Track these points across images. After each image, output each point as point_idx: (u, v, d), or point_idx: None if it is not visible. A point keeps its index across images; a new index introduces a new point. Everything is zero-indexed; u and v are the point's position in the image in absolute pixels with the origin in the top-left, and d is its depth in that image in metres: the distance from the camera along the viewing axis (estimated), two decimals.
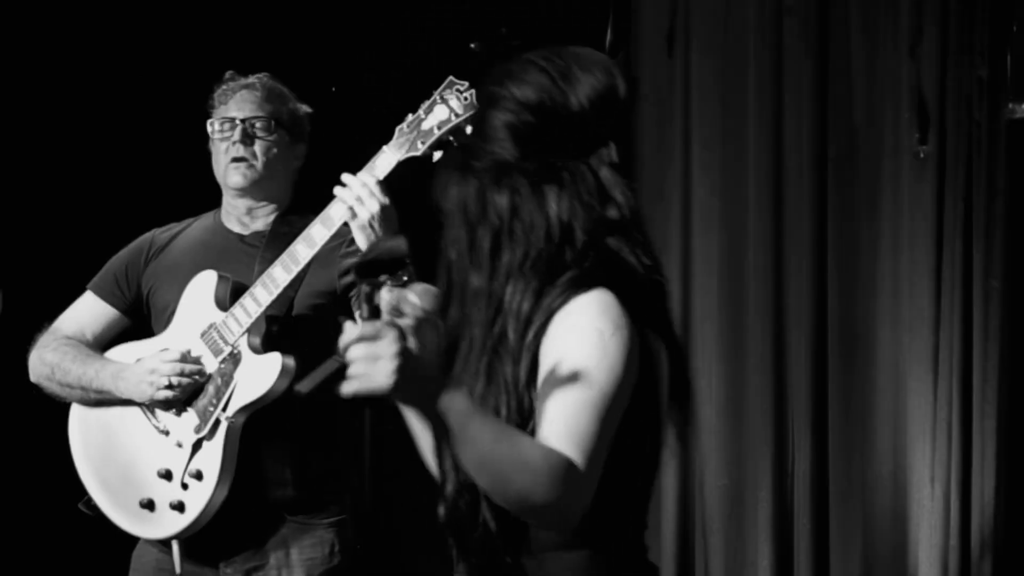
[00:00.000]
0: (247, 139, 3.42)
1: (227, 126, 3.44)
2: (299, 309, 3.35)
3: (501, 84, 2.15)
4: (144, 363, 3.36)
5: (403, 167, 3.14)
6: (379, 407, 2.05)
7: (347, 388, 1.97)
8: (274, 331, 3.32)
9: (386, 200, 3.10)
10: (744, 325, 4.75)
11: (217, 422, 3.29)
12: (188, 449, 3.31)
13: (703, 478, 4.76)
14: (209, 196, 3.55)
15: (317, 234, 3.23)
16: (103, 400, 3.43)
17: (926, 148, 4.55)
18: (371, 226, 3.08)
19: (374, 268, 2.02)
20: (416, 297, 2.13)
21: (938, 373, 4.52)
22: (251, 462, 3.32)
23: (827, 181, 4.69)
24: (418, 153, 3.13)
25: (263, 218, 3.49)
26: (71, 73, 4.81)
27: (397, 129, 3.16)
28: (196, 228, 3.56)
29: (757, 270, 4.75)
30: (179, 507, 3.31)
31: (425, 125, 3.12)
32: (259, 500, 3.36)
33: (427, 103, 3.13)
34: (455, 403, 1.97)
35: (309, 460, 3.39)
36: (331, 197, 3.22)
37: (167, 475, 3.33)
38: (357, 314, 2.97)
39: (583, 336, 2.04)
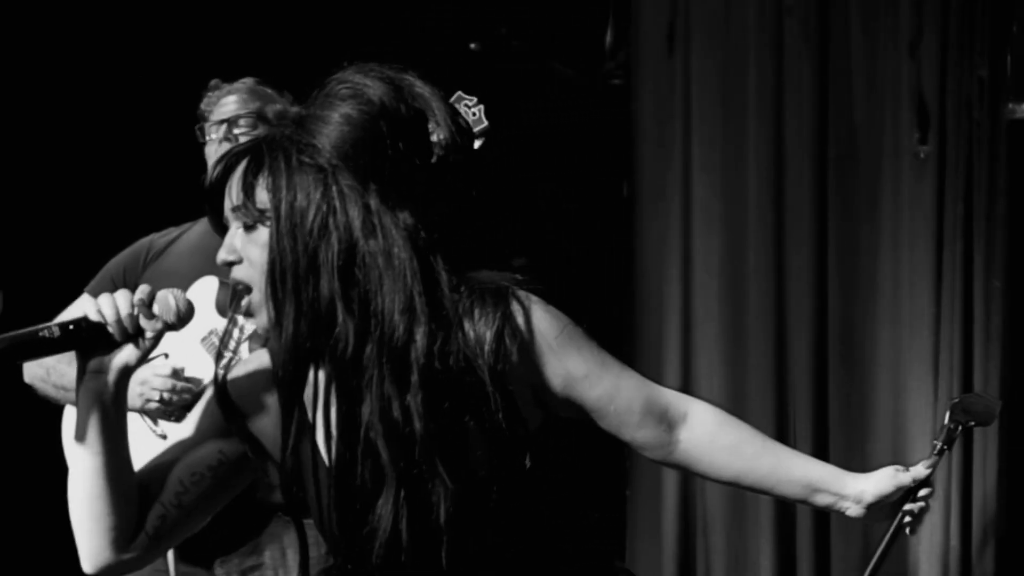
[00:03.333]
0: (232, 137, 3.43)
1: (214, 129, 3.46)
2: None
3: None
4: (138, 373, 3.35)
5: None
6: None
7: None
8: None
9: None
10: (745, 325, 4.75)
11: None
12: None
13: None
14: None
15: None
16: None
17: (926, 148, 4.55)
18: None
19: None
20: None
21: (938, 373, 4.52)
22: None
23: (827, 181, 4.69)
24: None
25: None
26: (71, 77, 4.80)
27: None
28: (194, 233, 3.56)
29: (757, 270, 4.75)
30: None
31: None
32: (255, 501, 3.35)
33: None
34: None
35: None
36: None
37: None
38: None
39: (570, 332, 2.08)
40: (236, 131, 3.44)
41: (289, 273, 1.98)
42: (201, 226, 3.57)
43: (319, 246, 1.97)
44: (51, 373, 3.47)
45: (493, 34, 4.82)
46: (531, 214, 4.91)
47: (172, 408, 3.31)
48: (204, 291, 3.38)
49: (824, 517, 4.67)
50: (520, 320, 2.04)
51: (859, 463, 4.62)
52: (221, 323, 3.32)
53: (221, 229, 2.10)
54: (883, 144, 4.63)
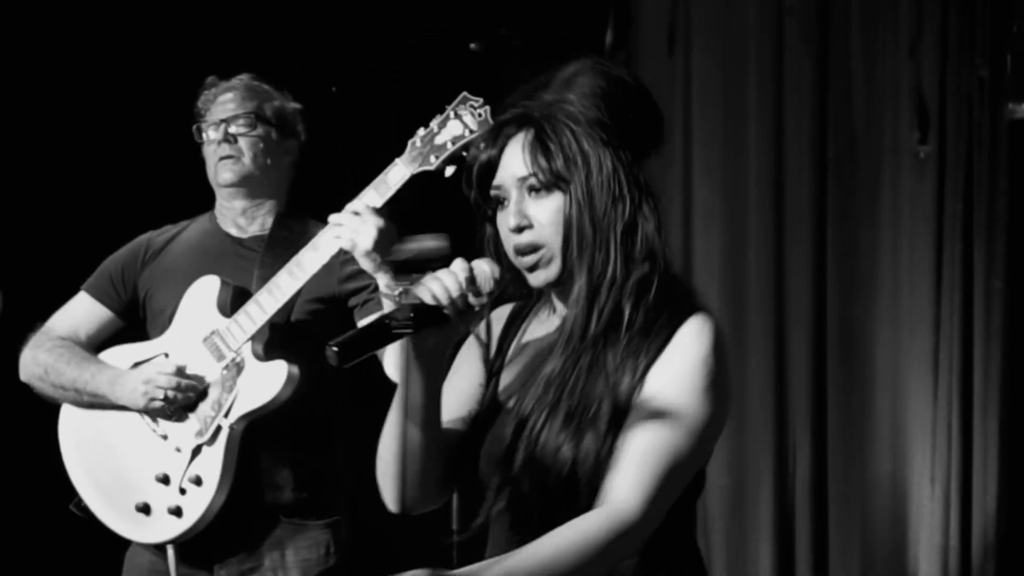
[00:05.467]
0: (230, 137, 3.43)
1: (212, 129, 3.46)
2: (299, 315, 3.35)
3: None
4: (141, 372, 3.35)
5: (416, 180, 3.12)
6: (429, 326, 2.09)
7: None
8: (276, 338, 3.32)
9: (382, 222, 3.07)
10: (745, 325, 4.76)
11: (219, 428, 3.28)
12: (187, 454, 3.31)
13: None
14: (204, 198, 3.55)
15: (324, 243, 3.22)
16: (96, 403, 3.42)
17: (926, 148, 4.56)
18: (374, 250, 3.05)
19: (410, 267, 2.13)
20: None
21: (938, 373, 4.53)
22: (248, 466, 3.32)
23: (827, 181, 4.70)
24: (431, 168, 3.12)
25: (260, 219, 3.49)
26: (70, 76, 4.80)
27: (409, 143, 3.14)
28: (192, 231, 3.56)
29: (758, 270, 4.75)
30: (176, 512, 3.30)
31: (439, 140, 3.10)
32: (255, 503, 3.35)
33: (440, 118, 3.11)
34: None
35: (306, 463, 3.38)
36: (331, 196, 3.21)
37: (165, 479, 3.32)
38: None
39: (686, 367, 2.09)
40: (233, 130, 3.43)
41: (580, 239, 2.12)
42: (199, 224, 3.56)
43: (609, 219, 2.12)
44: (49, 372, 3.46)
45: (493, 34, 4.82)
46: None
47: (174, 407, 3.31)
48: (204, 290, 3.37)
49: (823, 517, 4.67)
50: (683, 339, 2.10)
51: (859, 463, 4.63)
52: (223, 323, 3.32)
53: (481, 204, 2.21)
54: (883, 144, 4.64)
